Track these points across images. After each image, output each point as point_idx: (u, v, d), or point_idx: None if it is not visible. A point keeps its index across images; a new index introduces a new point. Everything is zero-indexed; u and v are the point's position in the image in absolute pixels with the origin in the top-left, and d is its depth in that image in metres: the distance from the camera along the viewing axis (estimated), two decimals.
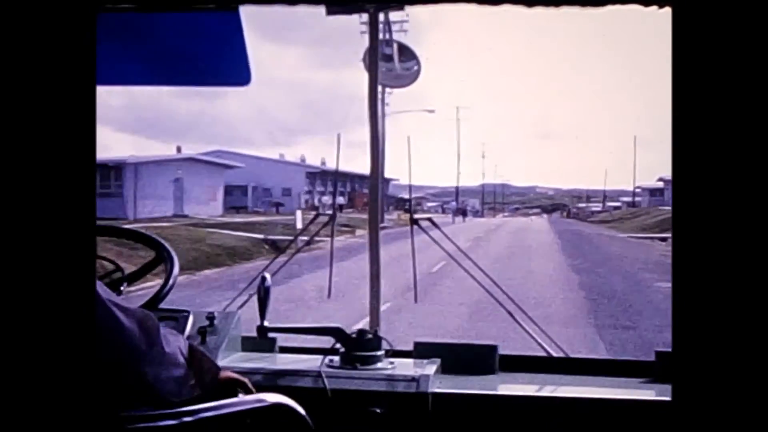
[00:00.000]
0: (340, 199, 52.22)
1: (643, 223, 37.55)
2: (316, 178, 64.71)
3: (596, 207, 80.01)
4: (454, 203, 72.60)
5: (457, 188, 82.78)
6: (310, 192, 64.18)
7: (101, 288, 1.37)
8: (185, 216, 31.15)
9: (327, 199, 54.80)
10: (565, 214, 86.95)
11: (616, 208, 77.88)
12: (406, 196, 59.94)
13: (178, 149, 47.90)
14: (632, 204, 72.03)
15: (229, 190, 55.34)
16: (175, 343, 1.51)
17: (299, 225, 19.81)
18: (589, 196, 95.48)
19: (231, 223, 27.01)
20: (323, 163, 72.20)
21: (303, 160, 70.23)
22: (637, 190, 73.41)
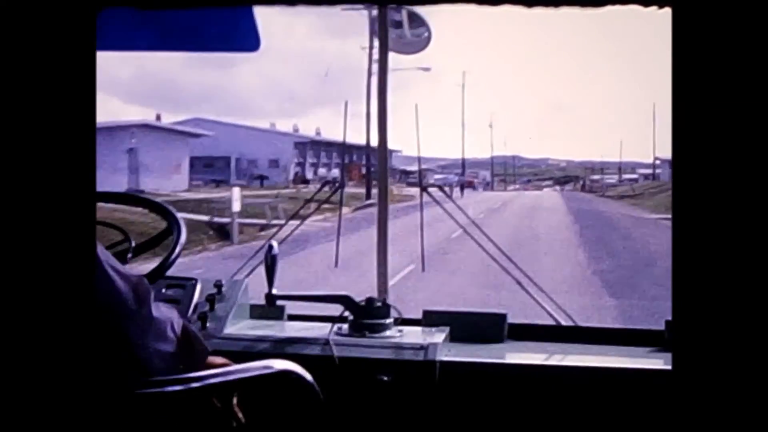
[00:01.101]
0: (335, 171, 50.55)
1: (668, 200, 32.84)
2: (306, 148, 61.53)
3: (610, 179, 77.08)
4: (452, 176, 68.73)
5: (463, 160, 78.92)
6: (300, 164, 60.81)
7: (99, 250, 1.36)
8: (140, 191, 27.07)
9: (323, 172, 52.44)
10: (579, 187, 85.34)
11: (631, 180, 74.87)
12: (410, 168, 56.78)
13: (158, 117, 44.95)
14: (652, 176, 69.03)
15: (209, 162, 53.28)
16: (168, 314, 1.50)
17: (235, 207, 17.15)
18: (603, 168, 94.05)
19: (190, 200, 22.91)
20: (318, 133, 68.74)
21: (296, 130, 66.92)
22: (657, 162, 70.20)
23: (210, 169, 51.85)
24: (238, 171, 53.59)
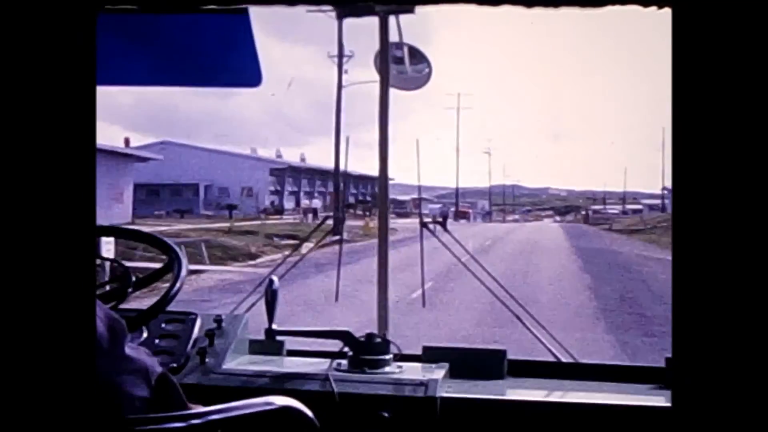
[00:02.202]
0: (317, 202, 46.93)
1: None
2: (285, 175, 57.46)
3: (613, 210, 74.61)
4: (432, 206, 60.30)
5: (456, 189, 75.29)
6: (277, 192, 56.51)
7: None
8: None
9: (306, 202, 48.10)
10: (581, 218, 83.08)
11: (636, 211, 71.94)
12: (400, 198, 53.84)
13: (126, 142, 40.18)
14: (661, 207, 65.41)
15: (177, 190, 50.03)
16: (145, 360, 1.49)
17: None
18: (605, 198, 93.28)
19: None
20: (302, 159, 64.88)
21: (279, 156, 62.35)
22: (664, 191, 65.62)
23: (178, 197, 49.15)
24: (209, 200, 50.59)
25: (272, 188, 57.36)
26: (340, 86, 31.19)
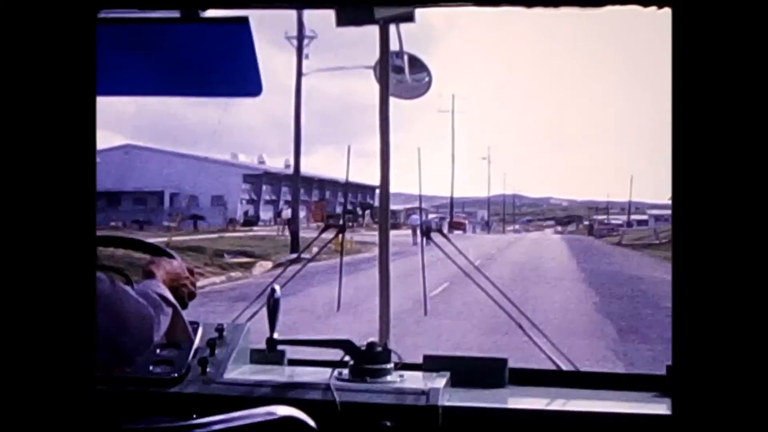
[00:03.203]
0: (288, 212, 41.71)
1: None
2: (261, 182, 53.73)
3: (616, 220, 72.67)
4: (414, 216, 54.03)
5: (451, 198, 68.76)
6: (252, 201, 52.37)
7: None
8: None
9: (288, 213, 43.11)
10: (583, 228, 78.46)
11: (641, 222, 69.54)
12: (394, 207, 55.71)
13: None
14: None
15: (139, 198, 46.92)
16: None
17: None
18: (608, 207, 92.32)
19: None
20: (287, 166, 60.31)
21: (261, 162, 58.14)
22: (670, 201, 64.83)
23: (142, 206, 46.31)
24: (177, 209, 45.84)
25: (247, 197, 53.45)
26: (299, 73, 28.60)
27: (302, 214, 45.86)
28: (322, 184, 59.30)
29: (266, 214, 52.99)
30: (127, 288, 1.60)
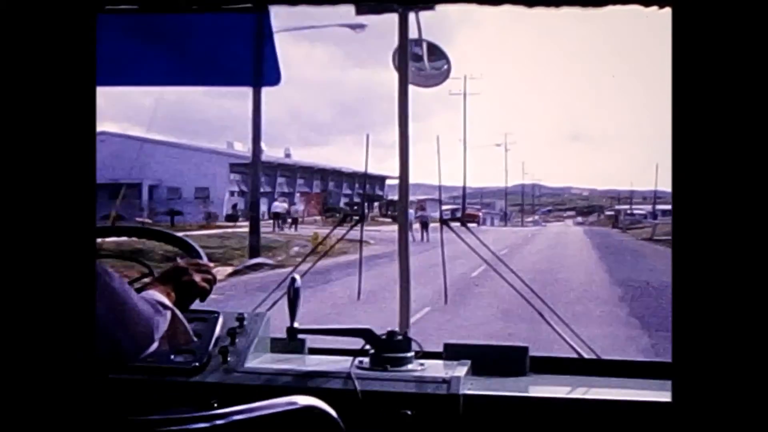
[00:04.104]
0: (277, 205, 40.47)
1: None
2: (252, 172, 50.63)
3: (639, 210, 68.86)
4: (411, 210, 38.34)
5: (464, 187, 62.91)
6: (242, 193, 47.56)
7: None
8: None
9: (285, 206, 40.92)
10: (605, 219, 75.59)
11: (665, 212, 62.59)
12: (393, 198, 52.01)
13: None
14: None
15: (115, 191, 41.44)
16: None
17: None
18: (632, 197, 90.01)
19: None
20: (287, 155, 57.28)
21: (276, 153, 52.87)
22: None
23: (117, 200, 43.54)
24: (158, 202, 42.88)
25: (236, 188, 49.33)
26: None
27: (300, 207, 43.77)
28: (325, 174, 56.13)
29: (261, 207, 50.49)
30: (131, 290, 1.61)
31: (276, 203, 42.31)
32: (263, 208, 45.75)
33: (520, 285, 2.75)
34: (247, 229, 22.92)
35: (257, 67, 2.38)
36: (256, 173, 24.24)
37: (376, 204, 52.40)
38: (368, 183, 50.08)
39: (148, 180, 42.98)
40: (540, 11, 1.35)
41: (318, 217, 44.95)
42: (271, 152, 54.20)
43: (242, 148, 49.94)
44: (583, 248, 30.80)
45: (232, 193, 48.55)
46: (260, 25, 2.29)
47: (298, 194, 51.04)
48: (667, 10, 1.13)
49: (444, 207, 53.98)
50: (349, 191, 57.97)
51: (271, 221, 37.68)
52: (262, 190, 48.39)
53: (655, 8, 1.20)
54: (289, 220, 38.59)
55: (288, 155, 57.46)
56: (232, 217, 41.64)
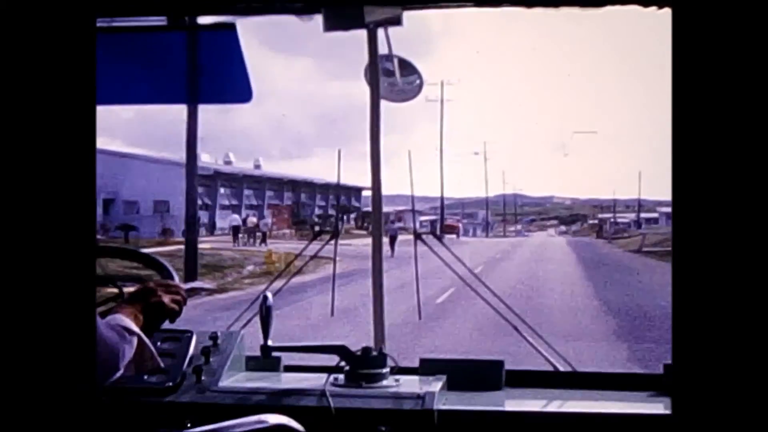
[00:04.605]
0: (235, 217, 39.70)
1: None
2: (216, 184, 47.50)
3: (623, 219, 67.74)
4: (392, 223, 40.00)
5: (441, 198, 59.04)
6: (206, 206, 45.48)
7: None
8: None
9: (253, 219, 40.12)
10: (588, 228, 74.96)
11: (649, 220, 63.60)
12: (368, 209, 51.04)
13: None
14: None
15: None
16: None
17: None
18: (615, 206, 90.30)
19: None
20: (257, 166, 54.54)
21: (228, 162, 52.13)
22: None
23: None
24: (113, 217, 40.35)
25: (199, 201, 45.30)
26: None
27: (238, 218, 41.23)
28: (296, 185, 54.22)
29: (226, 220, 45.50)
30: (97, 317, 1.60)
31: (233, 216, 41.08)
32: (224, 222, 44.28)
33: (496, 300, 2.77)
34: (206, 245, 21.92)
35: (228, 85, 2.41)
36: (192, 184, 23.28)
37: (353, 216, 51.46)
38: (344, 194, 49.00)
39: (102, 193, 40.62)
40: (519, 15, 1.35)
41: (288, 231, 44.28)
42: (239, 164, 53.52)
43: (209, 159, 49.13)
44: (568, 263, 28.31)
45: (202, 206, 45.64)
46: (229, 42, 2.31)
47: (267, 207, 50.23)
48: (666, 11, 1.17)
49: (424, 218, 52.81)
50: (323, 203, 56.43)
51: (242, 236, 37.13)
52: (227, 202, 47.85)
53: (653, 9, 1.23)
54: (258, 234, 37.76)
55: (258, 166, 55.92)
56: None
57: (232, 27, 2.28)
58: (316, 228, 41.97)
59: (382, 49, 2.57)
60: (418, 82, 2.74)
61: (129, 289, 2.33)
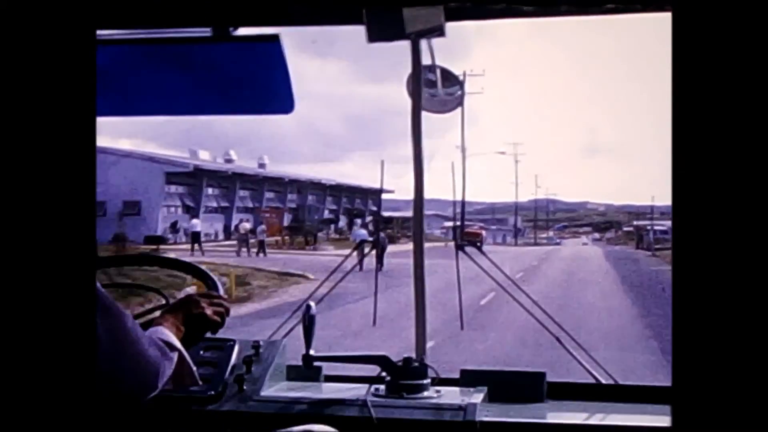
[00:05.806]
0: (196, 223, 36.62)
1: None
2: (202, 183, 44.12)
3: (661, 226, 62.85)
4: (360, 231, 37.69)
5: (462, 201, 52.33)
6: (187, 208, 43.60)
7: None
8: None
9: (247, 225, 37.03)
10: (623, 235, 72.90)
11: None
12: (390, 214, 44.65)
13: None
14: None
15: None
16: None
17: None
18: (652, 212, 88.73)
19: None
20: (261, 165, 50.88)
21: (229, 160, 48.66)
22: None
23: None
24: None
25: (178, 202, 43.91)
26: None
27: (219, 225, 39.77)
28: (302, 186, 49.46)
29: (214, 225, 43.22)
30: (140, 331, 1.64)
31: (194, 221, 37.94)
32: (217, 227, 42.40)
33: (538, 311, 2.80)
34: (173, 255, 20.87)
35: (271, 95, 2.48)
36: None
37: (358, 221, 46.60)
38: (361, 197, 46.63)
39: None
40: (553, 22, 1.38)
41: (279, 237, 40.29)
42: (241, 162, 49.48)
43: (208, 157, 47.09)
44: (608, 286, 23.09)
45: (170, 209, 43.99)
46: (273, 53, 2.38)
47: (263, 211, 47.72)
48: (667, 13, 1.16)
49: (446, 224, 49.08)
50: (334, 206, 52.42)
51: (236, 242, 34.94)
52: (215, 204, 45.03)
53: (653, 9, 1.22)
54: (253, 242, 35.50)
55: (262, 165, 51.40)
56: (154, 239, 35.44)
57: (275, 38, 2.35)
58: (311, 236, 39.38)
59: (425, 60, 2.62)
60: (459, 93, 2.79)
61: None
